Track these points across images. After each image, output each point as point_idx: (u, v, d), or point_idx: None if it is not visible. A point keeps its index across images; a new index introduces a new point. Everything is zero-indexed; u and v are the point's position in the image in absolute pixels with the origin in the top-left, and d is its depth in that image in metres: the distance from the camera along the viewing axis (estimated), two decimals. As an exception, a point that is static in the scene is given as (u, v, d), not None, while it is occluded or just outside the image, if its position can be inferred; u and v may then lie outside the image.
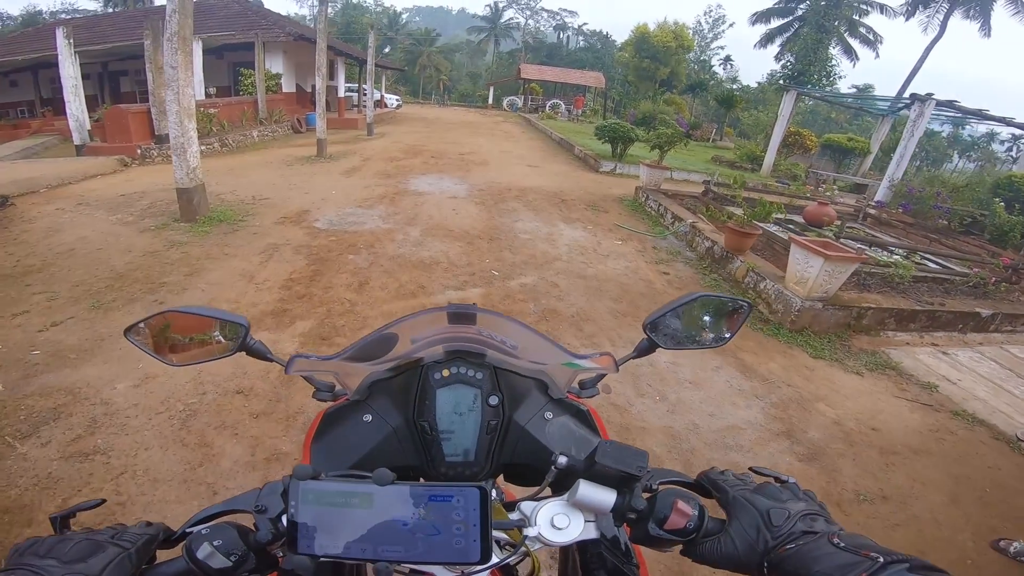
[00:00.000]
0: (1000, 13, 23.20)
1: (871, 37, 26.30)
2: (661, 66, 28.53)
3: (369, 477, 0.52)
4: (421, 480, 0.75)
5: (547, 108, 28.45)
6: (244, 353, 0.78)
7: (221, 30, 14.04)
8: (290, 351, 3.04)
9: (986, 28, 23.64)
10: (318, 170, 8.82)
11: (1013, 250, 7.42)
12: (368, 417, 0.77)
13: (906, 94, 23.06)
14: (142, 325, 0.75)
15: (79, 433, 2.34)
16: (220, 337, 0.79)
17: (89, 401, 2.54)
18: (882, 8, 25.35)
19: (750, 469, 0.65)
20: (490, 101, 35.40)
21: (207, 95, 13.32)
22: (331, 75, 18.95)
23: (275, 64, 15.60)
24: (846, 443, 2.93)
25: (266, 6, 26.50)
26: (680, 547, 0.57)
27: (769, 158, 14.26)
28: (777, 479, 0.58)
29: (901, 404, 3.45)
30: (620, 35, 48.06)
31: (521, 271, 4.85)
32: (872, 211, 9.00)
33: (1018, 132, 34.80)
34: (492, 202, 7.35)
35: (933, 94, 10.11)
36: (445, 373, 0.76)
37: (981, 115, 11.18)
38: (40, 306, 3.44)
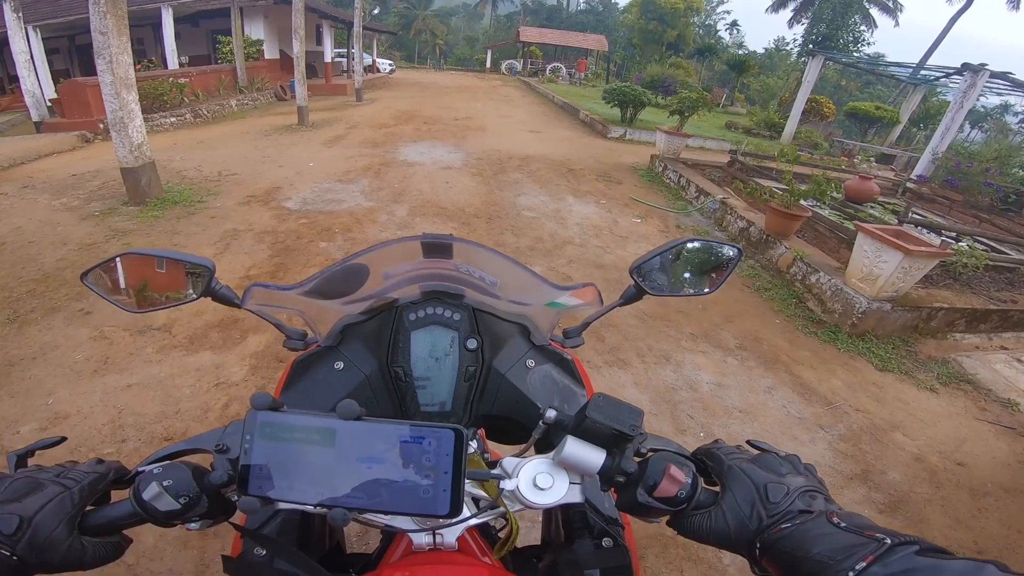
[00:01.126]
0: None
1: (891, 4, 25.02)
2: (668, 29, 27.54)
3: (333, 413, 0.47)
4: None
5: (548, 72, 27.26)
6: (210, 299, 0.71)
7: None
8: (238, 379, 2.50)
9: (1014, 1, 22.24)
10: (297, 140, 7.97)
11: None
12: (340, 364, 0.73)
13: (930, 61, 22.03)
14: (99, 270, 0.69)
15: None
16: (182, 279, 0.72)
17: None
18: None
19: (747, 443, 0.59)
20: (488, 65, 34.01)
21: (180, 64, 12.57)
22: (317, 40, 18.02)
23: (256, 30, 14.72)
24: (932, 484, 2.43)
25: None
26: (667, 517, 0.52)
27: (791, 126, 13.34)
28: (775, 453, 0.53)
29: (984, 429, 2.90)
30: None
31: (526, 258, 4.08)
32: (912, 185, 8.19)
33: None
34: (491, 172, 6.52)
35: (986, 64, 9.14)
36: (421, 314, 0.72)
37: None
38: (-51, 318, 2.87)
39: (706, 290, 0.82)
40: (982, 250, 4.74)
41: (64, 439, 0.57)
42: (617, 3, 46.36)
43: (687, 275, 0.83)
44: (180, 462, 0.51)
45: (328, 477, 0.46)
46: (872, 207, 6.42)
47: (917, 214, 6.51)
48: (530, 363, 0.76)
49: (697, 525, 0.49)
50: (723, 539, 0.48)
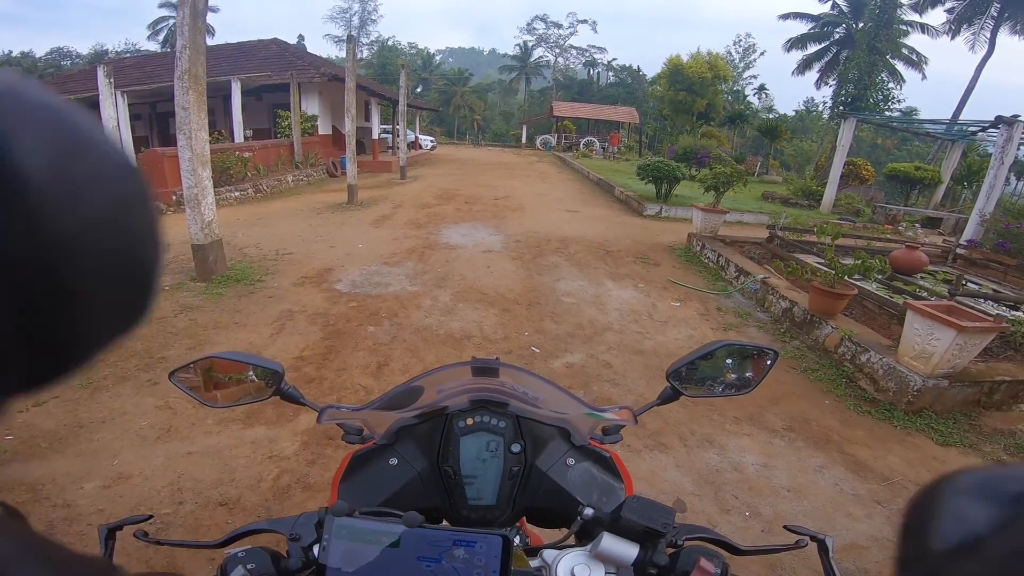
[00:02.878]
0: None
1: (914, 58, 25.08)
2: (698, 98, 27.80)
3: (400, 516, 0.55)
4: (444, 522, 0.79)
5: (581, 146, 27.89)
6: (279, 397, 0.84)
7: (259, 71, 14.29)
8: (289, 453, 2.67)
9: None
10: (347, 219, 8.46)
11: None
12: (394, 460, 0.80)
13: (963, 113, 21.70)
14: (186, 369, 0.81)
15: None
16: (257, 382, 0.84)
17: (50, 502, 2.24)
18: (923, 28, 24.22)
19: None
20: (523, 140, 35.33)
21: (245, 137, 13.50)
22: (365, 116, 19.08)
23: (311, 106, 15.65)
24: None
25: (309, 49, 27.57)
26: None
27: (829, 193, 13.06)
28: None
29: None
30: (649, 69, 48.30)
31: (566, 345, 4.14)
32: (963, 252, 7.91)
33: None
34: (530, 256, 6.69)
35: (1020, 116, 9.03)
36: (469, 421, 0.80)
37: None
38: (29, 382, 3.13)
39: (743, 390, 0.87)
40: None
41: (152, 516, 0.64)
42: (646, 75, 47.89)
43: (723, 377, 0.88)
44: (260, 548, 0.59)
45: (393, 572, 0.54)
46: (923, 278, 6.22)
47: (972, 283, 6.27)
48: (570, 461, 0.81)
49: None
50: None
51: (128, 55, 34.01)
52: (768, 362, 0.86)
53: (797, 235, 7.13)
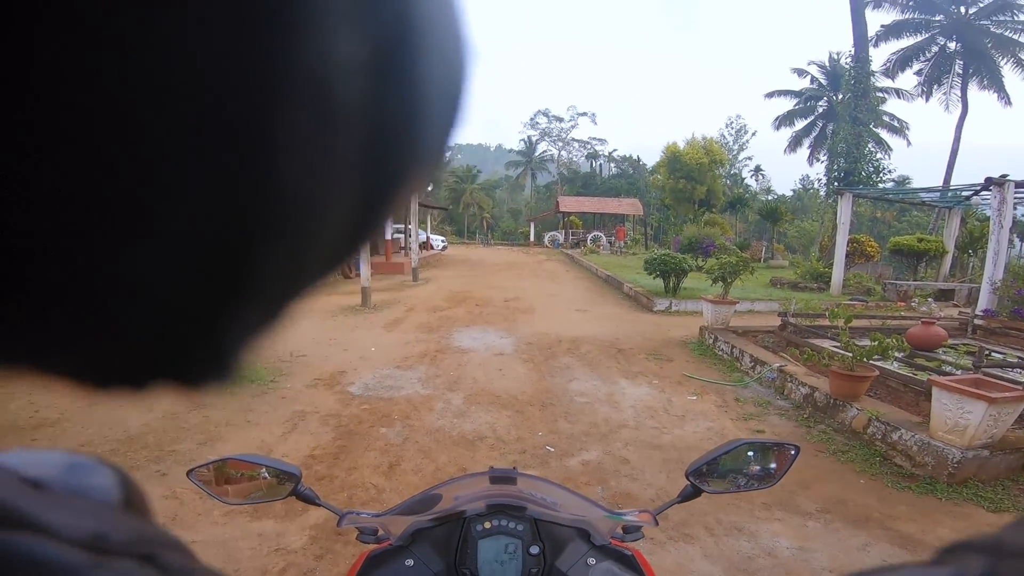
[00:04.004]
0: (1011, 78, 22.42)
1: (896, 124, 25.85)
2: (697, 185, 27.96)
3: None
4: None
5: (588, 242, 28.01)
6: (295, 498, 0.86)
7: None
8: (296, 547, 2.65)
9: (1004, 97, 22.80)
10: (360, 322, 8.64)
11: None
12: (410, 562, 0.80)
13: (953, 175, 21.97)
14: (205, 468, 0.82)
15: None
16: (274, 483, 0.86)
17: None
18: (898, 92, 25.15)
19: None
20: (531, 238, 35.71)
21: None
22: (380, 220, 20.06)
23: None
24: None
25: None
26: None
27: (837, 273, 12.99)
28: None
29: None
30: (647, 157, 49.78)
31: (581, 444, 4.04)
32: (981, 322, 7.76)
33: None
34: (542, 358, 6.69)
35: (1009, 176, 9.01)
36: (487, 524, 0.80)
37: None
38: (33, 475, 3.18)
39: (765, 485, 0.85)
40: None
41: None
42: (645, 164, 49.12)
43: (744, 473, 0.86)
44: None
45: None
46: (944, 352, 6.07)
47: (995, 352, 6.11)
48: (591, 561, 0.80)
49: None
50: None
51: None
52: (790, 455, 0.86)
53: (810, 320, 7.10)
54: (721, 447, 0.84)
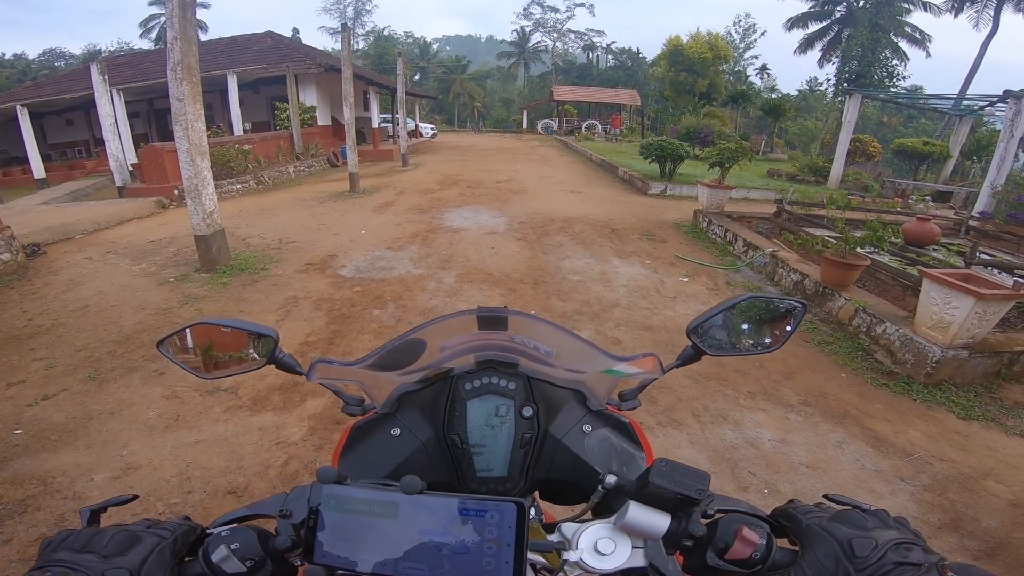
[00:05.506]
0: None
1: (918, 36, 24.66)
2: (699, 78, 27.50)
3: (396, 485, 0.48)
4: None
5: (583, 129, 27.75)
6: (274, 366, 0.75)
7: (254, 64, 14.22)
8: (296, 439, 2.63)
9: None
10: (350, 207, 8.42)
11: None
12: (397, 431, 0.75)
13: (969, 90, 21.32)
14: (174, 338, 0.74)
15: (43, 532, 2.04)
16: (251, 349, 0.77)
17: (61, 494, 2.23)
18: (925, 6, 23.75)
19: (825, 497, 0.55)
20: (524, 125, 35.19)
21: (244, 131, 13.50)
22: (364, 106, 19.06)
23: (309, 97, 15.66)
24: None
25: (304, 42, 27.37)
26: None
27: (836, 168, 12.98)
28: (858, 508, 0.49)
29: None
30: (649, 52, 47.67)
31: (573, 323, 4.10)
32: (975, 223, 7.79)
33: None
34: (535, 236, 6.62)
35: None
36: (476, 384, 0.74)
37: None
38: (37, 375, 3.21)
39: (770, 348, 0.79)
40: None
41: (136, 497, 0.58)
42: (645, 57, 47.25)
43: (748, 333, 0.80)
44: (246, 526, 0.53)
45: (392, 548, 0.47)
46: (935, 249, 6.12)
47: (985, 254, 6.17)
48: (587, 428, 0.75)
49: None
50: None
51: (121, 53, 33.76)
52: (795, 317, 0.78)
53: (806, 209, 7.03)
54: (725, 302, 0.76)
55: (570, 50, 53.64)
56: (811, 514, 0.50)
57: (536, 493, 0.77)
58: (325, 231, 6.68)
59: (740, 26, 45.02)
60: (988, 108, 12.27)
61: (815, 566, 0.45)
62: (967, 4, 22.71)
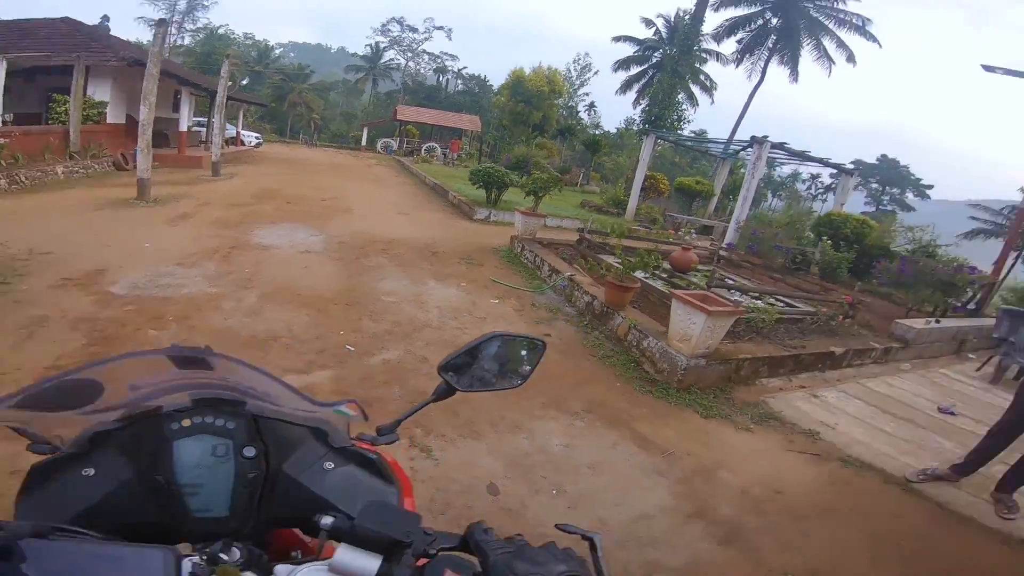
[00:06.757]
0: (805, 60, 26.62)
1: (708, 84, 29.39)
2: (534, 110, 29.00)
3: (93, 536, 0.46)
4: (182, 543, 0.65)
5: (423, 151, 27.92)
6: None
7: (37, 51, 11.84)
8: None
9: (794, 75, 27.05)
10: (135, 217, 7.28)
11: (844, 285, 8.29)
12: (91, 471, 0.67)
13: (736, 136, 25.94)
14: None
15: None
16: None
17: None
18: (718, 56, 28.12)
19: (556, 527, 0.64)
20: (364, 143, 34.13)
21: (4, 122, 11.06)
22: (174, 107, 16.85)
23: (102, 91, 13.50)
24: (758, 514, 2.78)
25: (116, 32, 23.12)
26: None
27: (632, 203, 14.86)
28: (584, 536, 0.58)
29: (794, 459, 3.43)
30: (496, 80, 49.66)
31: (383, 343, 4.12)
32: (724, 253, 9.64)
33: (815, 171, 41.31)
34: (353, 257, 6.48)
35: (768, 136, 10.91)
36: (186, 423, 0.69)
37: (804, 156, 12.59)
38: None
39: (516, 383, 0.85)
40: (780, 305, 5.74)
41: None
42: (492, 85, 49.11)
43: (496, 369, 0.86)
44: None
45: None
46: (694, 275, 7.44)
47: (729, 278, 7.68)
48: (328, 465, 0.74)
49: None
50: None
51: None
52: (537, 353, 0.85)
53: (601, 237, 8.00)
54: (475, 340, 0.81)
55: (422, 71, 53.68)
56: (499, 550, 0.56)
57: (273, 531, 0.76)
58: (94, 243, 5.65)
59: (579, 64, 48.49)
60: (743, 152, 14.75)
61: None
62: (747, 56, 27.15)
